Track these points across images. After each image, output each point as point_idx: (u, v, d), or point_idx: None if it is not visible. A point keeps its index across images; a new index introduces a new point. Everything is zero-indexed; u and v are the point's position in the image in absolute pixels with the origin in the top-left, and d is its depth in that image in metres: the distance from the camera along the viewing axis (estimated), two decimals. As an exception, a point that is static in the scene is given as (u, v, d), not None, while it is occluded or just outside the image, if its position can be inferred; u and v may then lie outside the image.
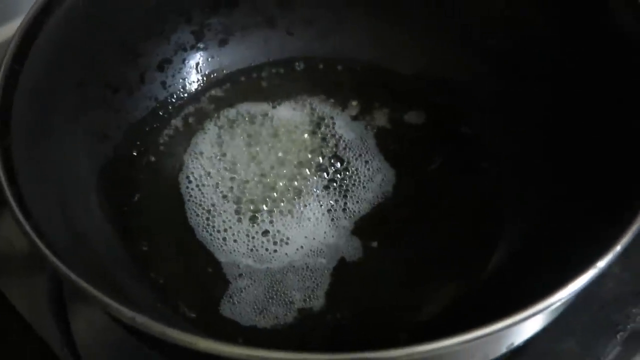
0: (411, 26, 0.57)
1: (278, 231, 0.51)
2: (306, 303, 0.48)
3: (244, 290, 0.49)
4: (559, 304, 0.36)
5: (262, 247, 0.50)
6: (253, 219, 0.52)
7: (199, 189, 0.54)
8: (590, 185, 0.46)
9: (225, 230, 0.51)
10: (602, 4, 0.49)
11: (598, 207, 0.44)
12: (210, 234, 0.51)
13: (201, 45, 0.58)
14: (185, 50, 0.58)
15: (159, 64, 0.57)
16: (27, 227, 0.39)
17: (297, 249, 0.51)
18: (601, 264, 0.37)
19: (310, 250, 0.50)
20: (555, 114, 0.51)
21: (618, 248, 0.38)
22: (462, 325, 0.34)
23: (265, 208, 0.53)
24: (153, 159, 0.55)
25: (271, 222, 0.52)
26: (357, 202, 0.53)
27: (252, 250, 0.50)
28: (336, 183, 0.54)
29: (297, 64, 0.60)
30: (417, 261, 0.50)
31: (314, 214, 0.52)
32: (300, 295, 0.48)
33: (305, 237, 0.51)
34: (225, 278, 0.49)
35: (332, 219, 0.52)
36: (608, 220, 0.40)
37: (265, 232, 0.51)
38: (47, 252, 0.38)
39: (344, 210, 0.52)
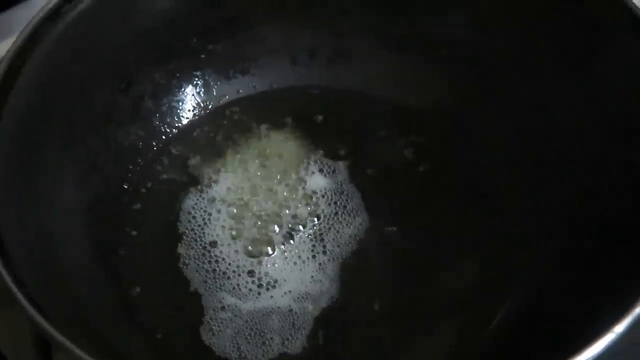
0: (419, 58, 0.55)
1: (266, 273, 0.50)
2: (284, 346, 0.47)
3: (223, 322, 0.47)
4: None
5: (245, 286, 0.49)
6: (246, 258, 0.50)
7: (191, 224, 0.51)
8: (610, 244, 0.43)
9: (217, 262, 0.50)
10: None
11: (617, 267, 0.42)
12: (202, 270, 0.50)
13: (198, 74, 0.56)
14: (181, 78, 0.55)
15: (153, 92, 0.54)
16: (7, 277, 0.37)
17: (285, 292, 0.49)
18: (619, 328, 0.36)
19: (298, 295, 0.49)
20: (574, 164, 0.48)
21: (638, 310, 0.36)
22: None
23: (258, 248, 0.51)
24: (145, 192, 0.53)
25: (260, 262, 0.50)
26: (342, 246, 0.51)
27: (235, 288, 0.49)
28: (326, 226, 0.51)
29: (299, 94, 0.57)
30: (410, 311, 0.48)
31: (305, 257, 0.50)
32: (279, 339, 0.47)
33: (294, 280, 0.49)
34: (207, 311, 0.48)
35: (320, 264, 0.50)
36: (627, 283, 0.38)
37: (252, 272, 0.50)
38: (29, 307, 0.36)
39: (328, 254, 0.50)
